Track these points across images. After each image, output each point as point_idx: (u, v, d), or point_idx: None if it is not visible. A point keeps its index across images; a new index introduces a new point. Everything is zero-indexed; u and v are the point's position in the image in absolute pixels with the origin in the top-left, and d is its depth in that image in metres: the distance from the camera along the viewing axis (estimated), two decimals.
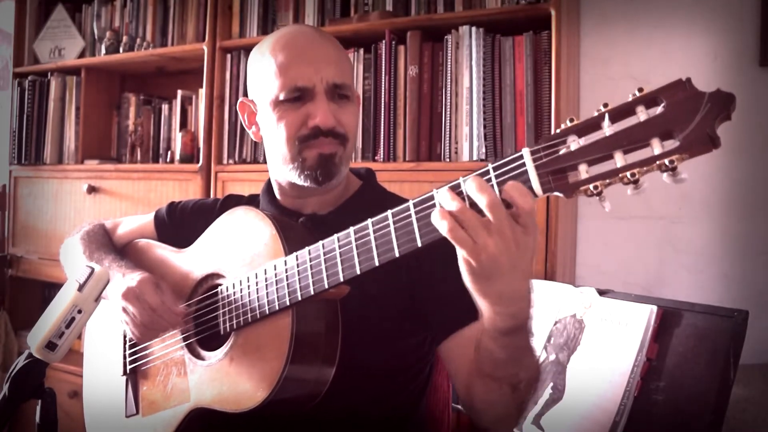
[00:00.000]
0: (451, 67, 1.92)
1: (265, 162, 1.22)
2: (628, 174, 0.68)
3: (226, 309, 1.07)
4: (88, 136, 2.73)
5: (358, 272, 0.89)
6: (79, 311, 1.00)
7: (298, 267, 0.96)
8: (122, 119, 2.77)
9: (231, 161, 2.32)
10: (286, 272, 0.98)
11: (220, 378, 1.06)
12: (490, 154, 1.86)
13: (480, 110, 1.87)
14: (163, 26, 2.59)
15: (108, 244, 1.35)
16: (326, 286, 0.93)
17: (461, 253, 0.78)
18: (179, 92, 2.58)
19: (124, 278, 1.12)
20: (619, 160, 0.69)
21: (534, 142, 0.75)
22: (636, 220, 1.94)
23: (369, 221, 0.87)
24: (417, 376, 1.18)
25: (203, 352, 1.12)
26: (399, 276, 1.06)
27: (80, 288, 1.00)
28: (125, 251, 1.35)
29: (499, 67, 1.88)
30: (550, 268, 1.75)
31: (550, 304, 1.56)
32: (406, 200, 0.84)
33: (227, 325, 1.07)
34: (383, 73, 2.02)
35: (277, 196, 1.23)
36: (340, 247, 0.91)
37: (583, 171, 0.71)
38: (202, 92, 2.39)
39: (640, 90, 0.70)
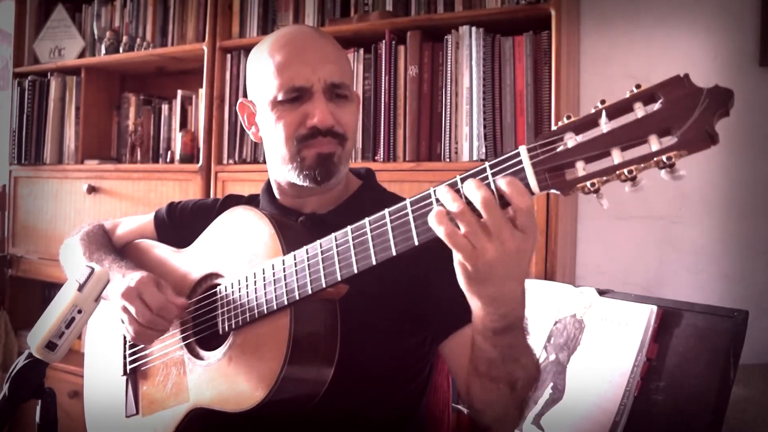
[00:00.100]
0: (451, 67, 1.92)
1: (264, 162, 1.22)
2: (625, 171, 0.68)
3: (225, 309, 1.07)
4: (88, 136, 2.73)
5: (356, 271, 0.89)
6: (79, 311, 1.00)
7: (296, 266, 0.96)
8: (122, 119, 2.77)
9: (231, 161, 2.32)
10: (284, 272, 0.98)
11: (218, 378, 1.06)
12: (490, 154, 1.86)
13: (480, 110, 1.87)
14: (163, 26, 2.59)
15: (108, 244, 1.35)
16: (324, 285, 0.93)
17: (457, 256, 0.78)
18: (179, 92, 2.58)
19: (124, 278, 1.12)
20: (617, 157, 0.69)
21: (533, 142, 0.75)
22: (636, 220, 1.94)
23: (366, 220, 0.87)
24: (417, 377, 1.18)
25: (202, 352, 1.12)
26: (398, 276, 1.06)
27: (80, 288, 1.00)
28: (125, 251, 1.35)
29: (499, 67, 1.88)
30: (550, 268, 1.75)
31: (550, 304, 1.56)
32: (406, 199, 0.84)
33: (226, 325, 1.07)
34: (383, 73, 2.02)
35: (277, 195, 1.23)
36: (337, 246, 0.91)
37: (581, 168, 0.71)
38: (202, 92, 2.39)
39: (638, 86, 0.69)
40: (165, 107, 2.64)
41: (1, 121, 3.09)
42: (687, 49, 1.87)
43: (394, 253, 0.84)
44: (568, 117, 0.73)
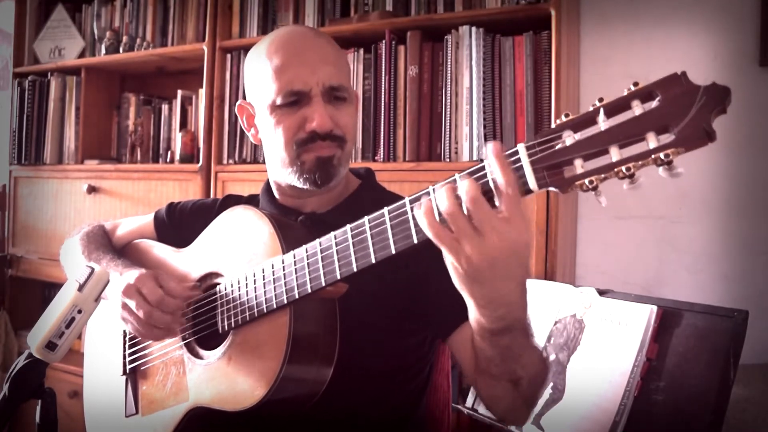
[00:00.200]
0: (451, 67, 1.92)
1: (264, 162, 1.22)
2: (623, 168, 0.68)
3: (224, 308, 1.07)
4: (88, 136, 2.73)
5: (355, 270, 0.89)
6: (79, 311, 1.00)
7: (295, 265, 0.96)
8: (122, 119, 2.77)
9: (231, 161, 2.32)
10: (284, 270, 0.98)
11: (218, 377, 1.06)
12: None
13: (480, 110, 1.87)
14: (163, 26, 2.59)
15: (107, 244, 1.35)
16: (323, 284, 0.93)
17: (447, 257, 0.78)
18: (179, 92, 2.58)
19: (122, 276, 1.12)
20: (615, 154, 0.69)
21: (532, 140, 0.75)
22: (636, 220, 1.94)
23: (366, 219, 0.87)
24: (416, 376, 1.18)
25: (202, 351, 1.12)
26: (398, 274, 1.06)
27: (80, 288, 1.00)
28: (124, 252, 1.35)
29: (499, 67, 1.88)
30: (550, 268, 1.75)
31: (550, 304, 1.56)
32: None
33: (225, 324, 1.07)
34: (383, 73, 2.02)
35: (276, 195, 1.23)
36: (336, 245, 0.91)
37: (579, 166, 0.71)
38: (202, 92, 2.39)
39: (636, 84, 0.69)
40: (165, 107, 2.64)
41: (1, 121, 3.09)
42: (687, 49, 1.87)
43: (393, 252, 0.84)
44: (567, 115, 0.73)
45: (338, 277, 0.91)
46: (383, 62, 2.02)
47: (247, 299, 1.03)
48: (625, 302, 1.44)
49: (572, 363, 1.44)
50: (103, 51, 2.67)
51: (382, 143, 2.01)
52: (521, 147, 0.74)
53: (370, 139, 2.04)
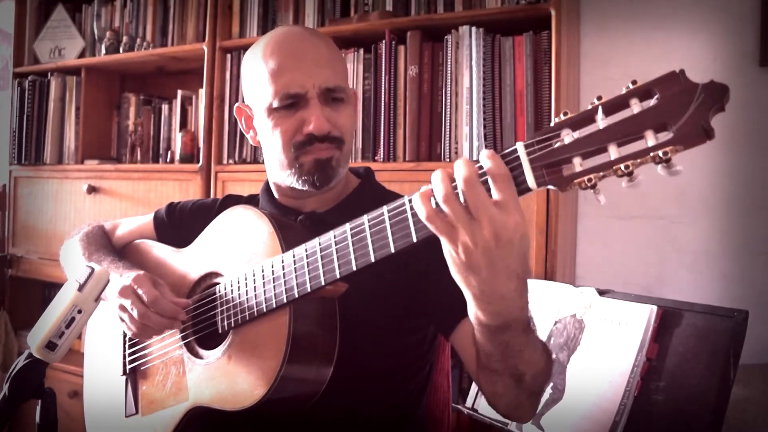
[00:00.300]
0: (451, 67, 1.93)
1: (264, 162, 1.23)
2: (621, 166, 0.68)
3: (224, 307, 1.07)
4: (88, 136, 2.73)
5: (355, 268, 0.89)
6: (79, 311, 1.00)
7: (295, 264, 0.96)
8: (122, 119, 2.77)
9: (231, 161, 2.32)
10: (283, 270, 0.98)
11: (218, 376, 1.06)
12: None
13: (480, 110, 1.87)
14: (163, 26, 2.60)
15: (107, 245, 1.35)
16: (323, 283, 0.93)
17: (445, 246, 0.77)
18: (179, 92, 2.58)
19: (120, 278, 1.12)
20: (613, 152, 0.69)
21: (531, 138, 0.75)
22: (636, 220, 1.94)
23: (365, 217, 0.87)
24: (416, 375, 1.18)
25: (202, 351, 1.12)
26: (398, 273, 1.06)
27: (80, 288, 1.00)
28: (124, 252, 1.35)
29: (499, 67, 1.88)
30: (550, 268, 1.75)
31: (550, 304, 1.56)
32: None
33: (225, 323, 1.07)
34: (383, 73, 2.02)
35: (276, 196, 1.23)
36: (336, 244, 0.91)
37: (577, 164, 0.71)
38: (202, 92, 2.39)
39: (634, 82, 0.69)
40: (165, 107, 2.64)
41: (1, 121, 3.09)
42: (687, 49, 1.87)
43: (393, 251, 0.84)
44: (565, 113, 0.73)
45: (338, 276, 0.91)
46: (383, 62, 2.02)
47: (247, 299, 1.03)
48: (625, 302, 1.44)
49: (572, 363, 1.44)
50: (103, 51, 2.67)
51: (382, 143, 2.01)
52: (520, 145, 0.74)
53: (370, 139, 2.04)
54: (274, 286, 0.98)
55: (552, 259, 1.75)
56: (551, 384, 1.45)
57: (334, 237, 0.91)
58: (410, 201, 0.82)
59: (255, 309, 1.01)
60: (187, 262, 1.20)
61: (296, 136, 1.11)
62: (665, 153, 0.66)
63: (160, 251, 1.29)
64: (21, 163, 2.85)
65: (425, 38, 1.99)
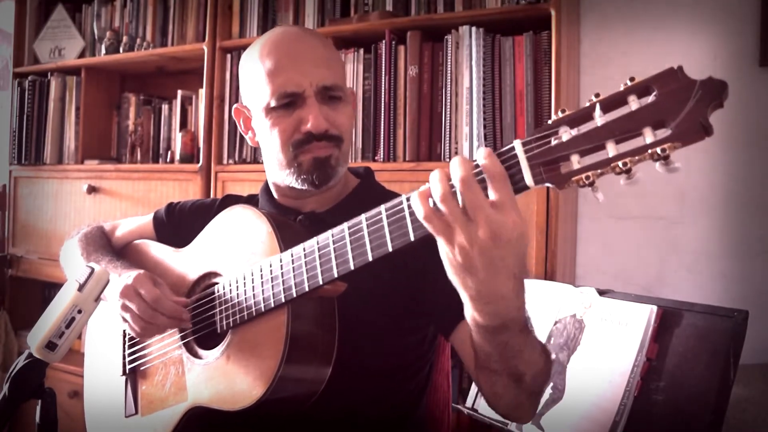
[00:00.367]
0: (451, 67, 1.92)
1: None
2: (620, 163, 0.68)
3: (223, 307, 1.07)
4: (88, 136, 2.73)
5: (352, 267, 0.89)
6: (79, 311, 1.00)
7: (293, 264, 0.96)
8: (122, 119, 2.77)
9: (231, 161, 2.33)
10: (282, 269, 0.98)
11: (217, 376, 1.06)
12: None
13: (480, 110, 1.87)
14: (163, 26, 2.60)
15: (106, 245, 1.35)
16: (320, 282, 0.93)
17: (441, 247, 0.77)
18: (179, 92, 2.58)
19: (120, 277, 1.12)
20: (611, 149, 0.68)
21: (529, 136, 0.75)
22: (636, 220, 1.94)
23: (363, 216, 0.87)
24: (416, 375, 1.18)
25: (201, 351, 1.12)
26: (397, 272, 1.06)
27: (80, 288, 1.00)
28: (124, 252, 1.35)
29: (499, 67, 1.88)
30: (550, 268, 1.75)
31: (550, 304, 1.56)
32: None
33: (224, 323, 1.07)
34: (383, 73, 2.02)
35: (275, 196, 1.23)
36: (334, 243, 0.91)
37: (575, 161, 0.70)
38: (202, 92, 2.39)
39: (632, 79, 0.69)
40: (165, 107, 2.64)
41: (1, 121, 3.09)
42: (687, 49, 1.87)
43: (390, 249, 0.84)
44: (563, 111, 0.72)
45: (335, 276, 0.91)
46: (383, 62, 2.02)
47: (245, 298, 1.02)
48: (625, 302, 1.44)
49: (572, 363, 1.44)
50: (103, 51, 2.67)
51: (382, 143, 2.01)
52: (517, 143, 0.74)
53: (370, 139, 2.04)
54: (272, 286, 0.98)
55: (552, 259, 1.75)
56: (551, 384, 1.45)
57: (332, 236, 0.91)
58: (408, 200, 0.81)
59: (253, 309, 1.01)
60: (186, 262, 1.20)
61: (294, 135, 1.11)
62: (663, 150, 0.65)
63: (159, 251, 1.29)
64: (21, 163, 2.85)
65: (425, 38, 1.99)
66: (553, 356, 1.48)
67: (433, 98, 1.97)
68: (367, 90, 2.05)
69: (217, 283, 1.10)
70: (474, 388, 1.63)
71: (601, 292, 1.50)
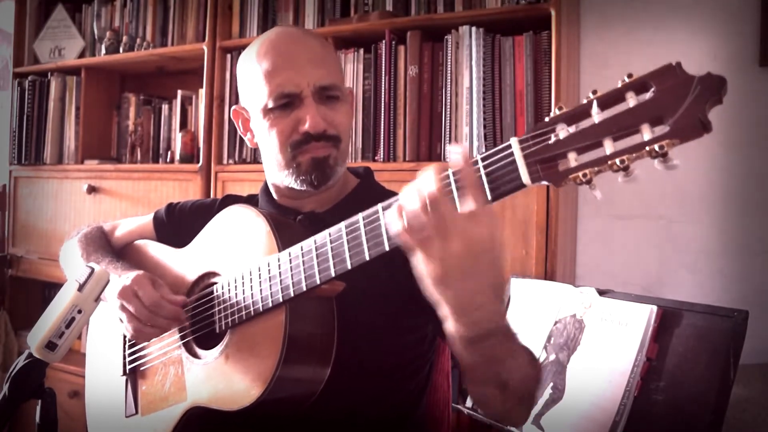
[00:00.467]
0: (451, 67, 1.92)
1: None
2: (617, 161, 0.67)
3: (221, 307, 1.07)
4: (88, 136, 2.73)
5: (349, 267, 0.89)
6: (79, 311, 1.00)
7: (290, 263, 0.96)
8: (122, 119, 2.77)
9: (231, 161, 2.33)
10: (279, 269, 0.97)
11: (216, 376, 1.06)
12: None
13: (480, 110, 1.87)
14: (163, 26, 2.60)
15: (105, 246, 1.35)
16: (318, 282, 0.92)
17: (416, 255, 0.78)
18: (179, 92, 2.58)
19: (119, 278, 1.12)
20: (609, 147, 0.68)
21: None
22: (636, 220, 1.94)
23: (360, 215, 0.87)
24: (416, 375, 1.18)
25: (200, 351, 1.12)
26: (396, 271, 1.06)
27: (80, 288, 1.00)
28: (123, 253, 1.35)
29: (499, 67, 1.88)
30: (550, 268, 1.75)
31: (550, 304, 1.56)
32: None
33: (223, 323, 1.07)
34: (383, 73, 2.02)
35: (275, 196, 1.23)
36: (331, 242, 0.91)
37: (572, 159, 0.70)
38: (202, 92, 2.39)
39: (630, 76, 0.68)
40: (165, 107, 2.64)
41: (1, 121, 3.09)
42: (687, 49, 1.87)
43: (387, 248, 0.84)
44: (560, 108, 0.72)
45: (333, 275, 0.90)
46: (383, 62, 2.02)
47: (243, 298, 1.02)
48: (625, 302, 1.44)
49: (572, 363, 1.44)
50: (103, 51, 2.67)
51: (382, 143, 2.01)
52: (514, 141, 0.73)
53: (370, 139, 2.04)
54: (270, 285, 0.98)
55: (552, 259, 1.75)
56: (551, 384, 1.45)
57: (330, 236, 0.91)
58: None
59: (251, 308, 1.01)
60: (185, 261, 1.20)
61: (293, 136, 1.11)
62: (661, 147, 0.65)
63: (159, 251, 1.29)
64: (21, 163, 2.86)
65: (425, 38, 1.99)
66: (553, 356, 1.48)
67: (433, 98, 1.97)
68: (367, 90, 2.05)
69: (215, 283, 1.10)
70: None
71: (601, 292, 1.50)
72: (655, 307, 1.38)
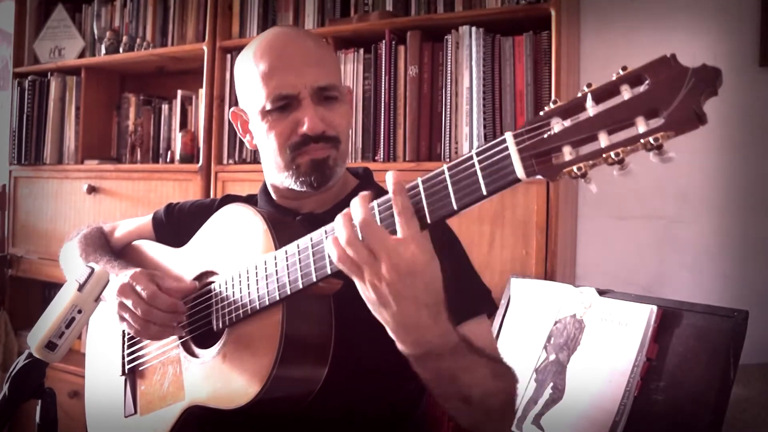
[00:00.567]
0: (451, 67, 1.92)
1: None
2: (612, 154, 0.66)
3: (219, 306, 1.07)
4: (88, 136, 2.73)
5: None
6: (79, 311, 1.00)
7: (287, 261, 0.96)
8: (122, 119, 2.77)
9: (231, 161, 2.33)
10: (276, 267, 0.97)
11: (214, 375, 1.06)
12: None
13: (480, 110, 1.87)
14: (163, 26, 2.60)
15: (104, 246, 1.35)
16: (315, 279, 0.92)
17: (355, 281, 0.82)
18: (179, 92, 2.58)
19: (117, 277, 1.12)
20: (603, 140, 0.67)
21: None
22: (636, 220, 1.94)
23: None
24: (416, 375, 1.18)
25: (198, 350, 1.12)
26: None
27: (80, 288, 1.00)
28: (123, 253, 1.35)
29: (499, 67, 1.88)
30: (550, 268, 1.75)
31: (550, 304, 1.56)
32: None
33: (220, 322, 1.07)
34: (383, 73, 2.02)
35: (274, 197, 1.23)
36: (327, 239, 0.91)
37: (567, 153, 0.69)
38: (202, 92, 2.39)
39: (624, 68, 0.68)
40: (165, 107, 2.64)
41: (1, 121, 3.09)
42: (686, 49, 1.86)
43: None
44: (554, 102, 0.71)
45: (329, 272, 0.90)
46: (383, 62, 2.02)
47: (240, 297, 1.02)
48: (625, 302, 1.44)
49: (572, 363, 1.44)
50: (103, 51, 2.67)
51: (382, 143, 2.01)
52: (509, 135, 0.73)
53: (370, 139, 2.04)
54: (267, 284, 0.98)
55: (552, 259, 1.75)
56: (551, 384, 1.45)
57: (326, 233, 0.91)
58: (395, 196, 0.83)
59: (249, 307, 1.01)
60: (183, 261, 1.20)
61: (291, 138, 1.11)
62: (656, 139, 0.64)
63: (157, 251, 1.29)
64: (21, 163, 2.85)
65: (425, 38, 1.99)
66: (553, 356, 1.48)
67: (433, 98, 1.97)
68: (367, 90, 2.05)
69: (213, 282, 1.10)
70: None
71: (601, 292, 1.50)
72: (655, 307, 1.38)
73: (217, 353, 1.06)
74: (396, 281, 0.78)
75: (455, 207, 0.77)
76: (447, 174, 0.77)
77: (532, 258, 1.75)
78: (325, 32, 2.10)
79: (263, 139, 1.14)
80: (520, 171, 0.72)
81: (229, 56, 2.35)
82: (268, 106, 1.11)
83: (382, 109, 2.02)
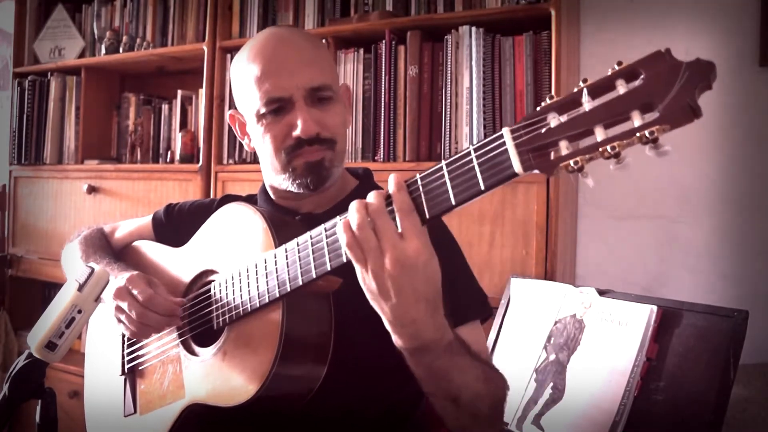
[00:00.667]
0: (451, 67, 1.92)
1: None
2: (608, 148, 0.67)
3: (219, 304, 1.07)
4: (88, 136, 2.73)
5: (345, 260, 0.88)
6: (79, 311, 1.00)
7: (287, 258, 0.96)
8: (122, 119, 2.77)
9: (231, 161, 2.33)
10: (276, 264, 0.97)
11: (213, 373, 1.06)
12: None
13: (480, 110, 1.87)
14: (163, 26, 2.60)
15: (105, 247, 1.35)
16: (314, 276, 0.92)
17: (357, 269, 0.83)
18: (179, 92, 2.58)
19: (115, 279, 1.13)
20: (600, 134, 0.68)
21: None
22: (636, 220, 1.94)
23: None
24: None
25: (198, 349, 1.12)
26: None
27: (80, 288, 1.00)
28: (123, 254, 1.35)
29: (499, 67, 1.88)
30: (550, 268, 1.75)
31: (550, 304, 1.56)
32: None
33: (220, 320, 1.07)
34: (383, 73, 2.02)
35: (273, 197, 1.23)
36: (326, 237, 0.91)
37: (564, 147, 0.70)
38: (202, 92, 2.39)
39: (619, 63, 0.69)
40: (165, 107, 2.64)
41: (1, 121, 3.09)
42: (687, 49, 1.87)
43: None
44: (551, 97, 0.72)
45: (329, 269, 0.90)
46: (383, 62, 2.02)
47: (240, 295, 1.03)
48: (625, 302, 1.44)
49: (572, 363, 1.44)
50: (103, 51, 2.67)
51: (382, 143, 2.01)
52: (506, 130, 0.74)
53: (370, 139, 2.04)
54: (267, 281, 0.98)
55: (552, 259, 1.75)
56: (551, 384, 1.45)
57: (325, 230, 0.91)
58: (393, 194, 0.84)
59: (248, 305, 1.01)
60: (183, 261, 1.20)
61: (286, 141, 1.10)
62: (651, 133, 0.65)
63: (157, 251, 1.29)
64: (21, 163, 2.86)
65: (425, 38, 1.99)
66: (553, 356, 1.48)
67: (433, 98, 1.97)
68: (367, 90, 2.05)
69: (213, 281, 1.11)
70: None
71: (601, 292, 1.50)
72: (655, 307, 1.38)
73: (217, 351, 1.06)
74: (399, 274, 0.79)
75: (453, 202, 0.78)
76: (445, 170, 0.78)
77: (532, 258, 1.75)
78: (325, 32, 2.11)
79: (260, 142, 1.14)
80: (517, 165, 0.73)
81: (229, 56, 2.35)
82: (262, 110, 1.10)
83: (382, 109, 2.02)
